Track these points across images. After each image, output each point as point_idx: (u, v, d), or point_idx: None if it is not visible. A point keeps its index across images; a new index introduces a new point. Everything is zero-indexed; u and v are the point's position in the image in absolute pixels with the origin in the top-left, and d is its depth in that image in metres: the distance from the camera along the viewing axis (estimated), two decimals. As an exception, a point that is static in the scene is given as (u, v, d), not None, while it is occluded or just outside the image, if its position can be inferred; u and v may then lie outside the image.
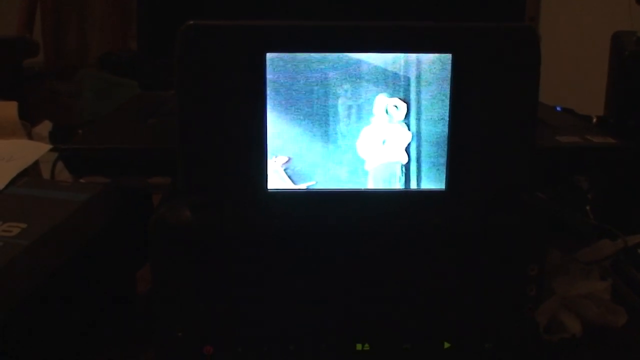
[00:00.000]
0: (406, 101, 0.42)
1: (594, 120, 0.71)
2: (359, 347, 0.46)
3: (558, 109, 0.72)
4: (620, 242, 0.61)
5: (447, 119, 0.42)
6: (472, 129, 0.43)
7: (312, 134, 0.42)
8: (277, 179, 0.43)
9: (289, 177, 0.43)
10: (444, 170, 0.43)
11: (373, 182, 0.43)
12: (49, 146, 0.65)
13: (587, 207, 0.74)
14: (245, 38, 0.41)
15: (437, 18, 0.42)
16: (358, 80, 0.42)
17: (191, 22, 0.40)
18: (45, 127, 0.99)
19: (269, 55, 0.41)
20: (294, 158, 0.43)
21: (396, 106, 0.42)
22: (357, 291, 0.45)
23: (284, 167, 0.43)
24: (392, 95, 0.42)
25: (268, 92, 0.41)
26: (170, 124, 0.43)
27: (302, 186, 0.43)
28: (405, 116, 0.42)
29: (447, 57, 0.42)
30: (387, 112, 0.42)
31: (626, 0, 0.78)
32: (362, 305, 0.45)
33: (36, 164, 0.66)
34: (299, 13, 0.62)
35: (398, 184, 0.43)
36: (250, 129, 0.42)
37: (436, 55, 0.42)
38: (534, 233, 0.45)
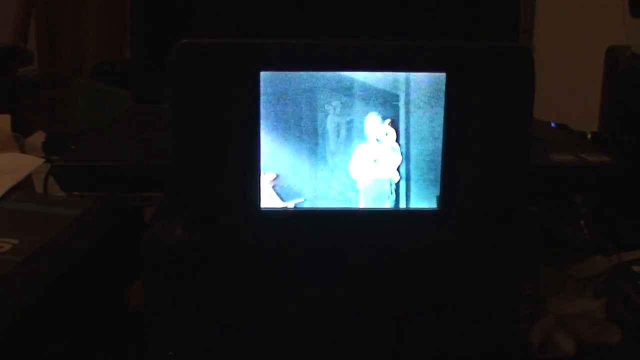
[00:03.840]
0: (395, 126, 0.42)
1: (589, 136, 0.71)
2: (351, 366, 0.46)
3: (552, 124, 0.72)
4: (615, 258, 0.61)
5: (439, 137, 0.42)
6: (466, 147, 0.42)
7: (303, 151, 0.42)
8: (265, 196, 0.42)
9: (277, 194, 0.42)
10: (436, 189, 0.43)
11: (364, 199, 0.43)
12: (42, 160, 0.65)
13: (582, 222, 0.74)
14: (239, 56, 0.41)
15: (431, 36, 0.42)
16: (350, 98, 0.42)
17: (184, 40, 0.40)
18: (38, 137, 0.98)
19: (262, 73, 0.41)
20: (283, 175, 0.42)
21: (386, 133, 0.42)
22: (349, 311, 0.45)
23: (272, 184, 0.42)
24: (384, 114, 0.42)
25: (261, 109, 0.41)
26: (165, 138, 0.43)
27: (291, 203, 0.43)
28: (396, 140, 0.42)
29: (441, 76, 0.41)
30: (377, 140, 0.42)
31: (621, 14, 0.79)
32: (353, 324, 0.45)
33: (29, 177, 0.65)
34: (292, 31, 0.62)
35: (388, 202, 0.43)
36: (243, 147, 0.42)
37: (430, 74, 0.41)
38: (528, 253, 0.44)
